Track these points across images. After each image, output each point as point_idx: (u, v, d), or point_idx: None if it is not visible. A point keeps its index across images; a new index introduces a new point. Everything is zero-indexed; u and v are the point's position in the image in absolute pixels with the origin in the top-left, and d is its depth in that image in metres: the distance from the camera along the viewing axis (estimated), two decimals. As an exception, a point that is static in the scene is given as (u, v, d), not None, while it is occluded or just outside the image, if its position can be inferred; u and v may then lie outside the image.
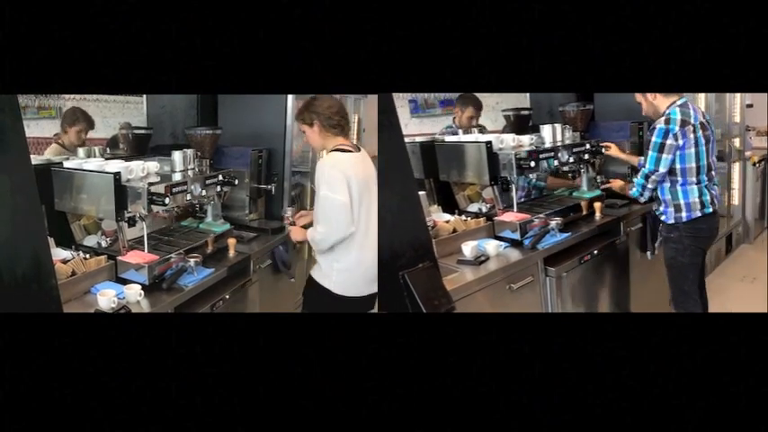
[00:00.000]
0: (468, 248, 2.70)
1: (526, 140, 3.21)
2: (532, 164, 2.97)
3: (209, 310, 2.63)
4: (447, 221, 2.97)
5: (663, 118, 2.85)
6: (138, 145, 3.29)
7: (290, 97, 3.55)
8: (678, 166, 2.83)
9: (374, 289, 2.60)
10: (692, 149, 2.81)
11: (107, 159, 2.79)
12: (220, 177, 3.03)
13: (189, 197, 2.79)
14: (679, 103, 2.87)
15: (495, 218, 3.04)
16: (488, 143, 2.99)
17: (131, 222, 2.54)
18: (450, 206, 3.25)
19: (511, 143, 3.07)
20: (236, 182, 3.12)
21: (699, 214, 2.87)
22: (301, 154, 3.94)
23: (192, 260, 2.62)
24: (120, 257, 2.54)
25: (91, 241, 2.68)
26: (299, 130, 2.74)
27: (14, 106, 1.66)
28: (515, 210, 3.08)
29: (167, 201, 2.58)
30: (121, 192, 2.48)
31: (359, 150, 2.64)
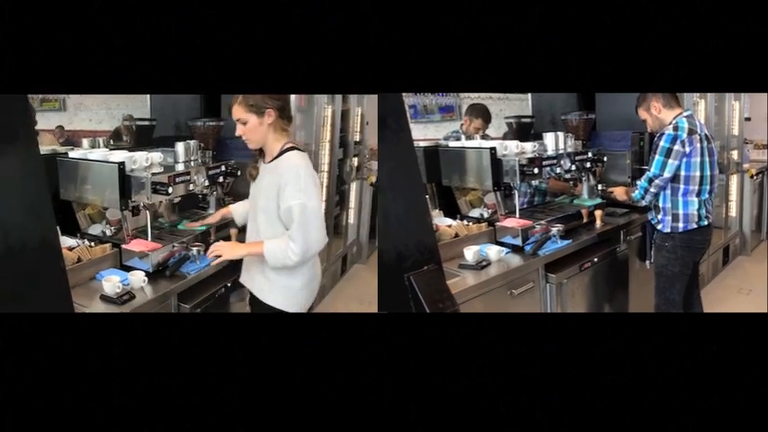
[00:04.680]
0: (471, 253, 2.72)
1: (529, 147, 3.23)
2: (535, 170, 2.99)
3: (212, 298, 2.66)
4: (449, 226, 2.99)
5: (671, 125, 2.88)
6: (142, 136, 3.33)
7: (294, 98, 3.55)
8: (683, 173, 2.85)
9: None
10: (698, 158, 2.84)
11: (111, 150, 2.82)
12: (223, 168, 3.07)
13: (192, 187, 2.83)
14: (685, 114, 2.91)
15: (497, 223, 3.06)
16: (492, 149, 3.01)
17: (135, 211, 2.59)
18: (451, 211, 3.27)
19: (514, 150, 3.09)
20: (239, 173, 3.14)
21: (695, 226, 2.90)
22: (304, 146, 3.91)
23: (194, 248, 2.67)
24: (124, 246, 2.59)
25: (95, 230, 2.73)
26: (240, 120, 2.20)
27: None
28: (517, 216, 3.10)
29: (170, 190, 2.61)
30: (126, 181, 2.52)
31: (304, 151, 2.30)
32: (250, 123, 2.16)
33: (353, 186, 5.26)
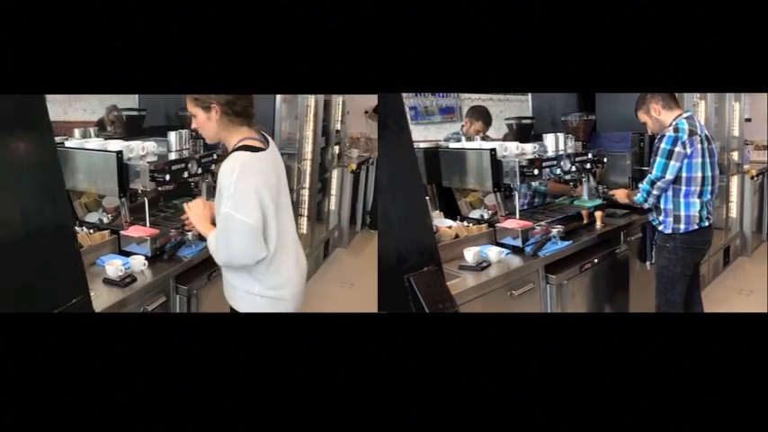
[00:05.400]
0: (471, 254, 2.72)
1: (529, 149, 3.23)
2: (535, 172, 2.99)
3: (207, 279, 2.78)
4: (449, 227, 3.00)
5: (671, 127, 2.88)
6: (132, 126, 3.41)
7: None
8: (684, 174, 2.85)
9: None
10: (699, 159, 2.85)
11: (106, 140, 2.90)
12: (214, 157, 3.12)
13: (186, 175, 2.89)
14: (685, 115, 2.91)
15: (497, 224, 3.06)
16: (493, 150, 3.01)
17: (133, 198, 2.71)
18: (452, 212, 3.27)
19: (514, 151, 3.10)
20: None
21: (696, 227, 2.90)
22: (288, 136, 4.07)
23: (189, 233, 2.78)
24: (123, 232, 2.70)
25: (92, 218, 2.83)
26: (203, 113, 2.05)
27: None
28: (517, 217, 3.10)
29: (167, 177, 2.70)
30: (124, 169, 2.61)
31: (268, 144, 2.11)
32: (198, 118, 2.06)
33: (335, 174, 5.40)
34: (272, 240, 2.04)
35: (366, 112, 6.30)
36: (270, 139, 2.15)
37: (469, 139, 3.48)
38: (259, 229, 1.97)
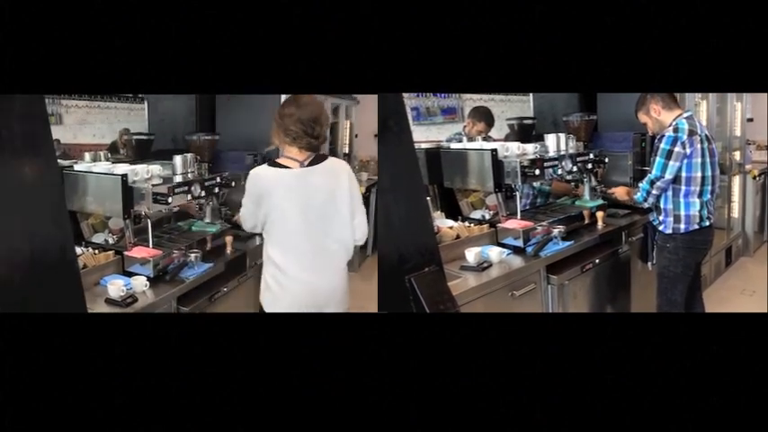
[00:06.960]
0: (472, 255, 2.72)
1: (530, 149, 3.23)
2: (537, 172, 2.99)
3: (209, 301, 2.83)
4: (451, 227, 2.99)
5: (671, 127, 2.87)
6: (141, 150, 3.48)
7: (283, 98, 3.62)
8: (684, 174, 2.84)
9: None
10: (699, 159, 2.84)
11: (113, 163, 2.95)
12: (218, 180, 3.18)
13: (189, 197, 2.94)
14: (685, 115, 2.90)
15: (499, 225, 3.06)
16: (494, 151, 3.01)
17: (137, 220, 2.72)
18: (453, 212, 3.27)
19: (516, 151, 3.09)
20: (233, 184, 3.26)
21: (696, 227, 2.89)
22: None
23: (192, 255, 2.80)
24: (126, 252, 2.71)
25: (98, 239, 2.87)
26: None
27: (43, 111, 1.81)
28: (518, 217, 3.10)
29: (170, 200, 2.74)
30: (128, 192, 2.65)
31: (304, 164, 2.20)
32: None
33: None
34: (266, 226, 2.23)
35: (375, 136, 6.26)
36: (323, 165, 2.23)
37: (471, 139, 3.48)
38: (251, 210, 2.23)
